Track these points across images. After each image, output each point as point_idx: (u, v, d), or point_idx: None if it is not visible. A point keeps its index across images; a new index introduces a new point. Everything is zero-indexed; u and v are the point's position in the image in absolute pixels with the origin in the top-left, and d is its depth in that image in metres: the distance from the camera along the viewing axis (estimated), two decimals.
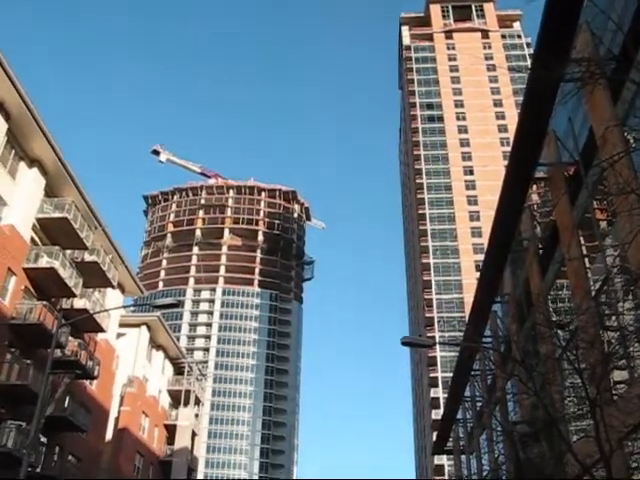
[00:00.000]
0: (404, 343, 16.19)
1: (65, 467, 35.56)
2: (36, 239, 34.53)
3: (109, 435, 45.02)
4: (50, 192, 35.33)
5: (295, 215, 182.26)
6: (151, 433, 53.40)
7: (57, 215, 34.00)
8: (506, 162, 29.98)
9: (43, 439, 33.07)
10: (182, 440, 57.73)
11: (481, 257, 47.41)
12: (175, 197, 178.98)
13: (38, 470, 31.77)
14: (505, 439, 22.06)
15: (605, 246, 17.18)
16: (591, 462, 13.17)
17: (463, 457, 50.58)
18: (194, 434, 60.97)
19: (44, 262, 33.08)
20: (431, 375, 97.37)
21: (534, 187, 25.31)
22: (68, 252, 35.35)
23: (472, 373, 41.57)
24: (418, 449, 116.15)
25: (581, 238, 19.23)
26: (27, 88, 30.46)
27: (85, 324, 35.03)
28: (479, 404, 42.90)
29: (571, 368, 13.15)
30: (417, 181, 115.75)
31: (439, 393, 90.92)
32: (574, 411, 13.93)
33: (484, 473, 33.81)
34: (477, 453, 40.04)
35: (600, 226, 18.28)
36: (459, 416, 51.72)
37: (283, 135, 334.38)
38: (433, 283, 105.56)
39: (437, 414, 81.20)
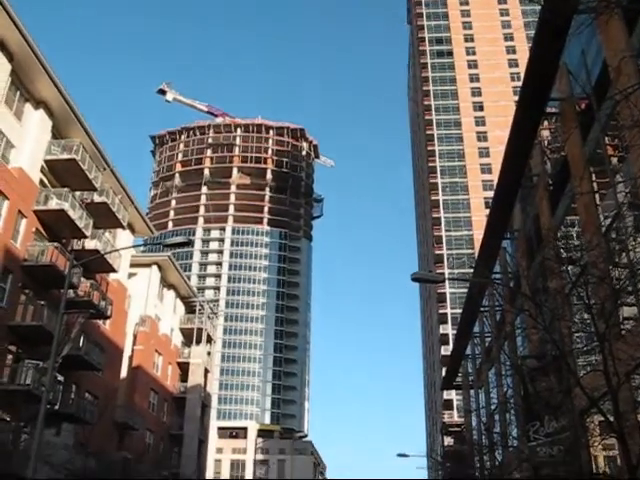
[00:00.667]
0: (414, 279, 16.24)
1: (82, 404, 36.34)
2: (45, 181, 34.58)
3: (124, 373, 45.88)
4: (57, 134, 35.20)
5: (303, 153, 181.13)
6: (164, 371, 54.38)
7: (65, 157, 33.94)
8: (516, 97, 29.55)
9: (60, 378, 33.69)
10: (195, 377, 58.79)
11: (491, 194, 47.25)
12: (182, 137, 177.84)
13: (57, 407, 32.50)
14: (514, 373, 22.31)
15: (616, 182, 17.03)
16: (599, 395, 13.34)
17: (472, 392, 51.33)
18: (207, 371, 62.04)
19: (54, 204, 33.17)
20: (440, 312, 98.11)
21: (545, 123, 24.98)
22: (77, 194, 35.41)
23: (481, 309, 41.84)
24: (427, 384, 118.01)
25: (592, 175, 19.07)
26: (30, 29, 30.15)
27: (97, 265, 35.36)
28: (488, 340, 43.31)
29: (580, 303, 13.21)
30: (426, 118, 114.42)
31: (448, 329, 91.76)
32: (583, 346, 14.04)
33: (492, 407, 34.35)
34: (486, 387, 40.58)
35: (611, 162, 18.10)
36: (468, 352, 52.29)
37: (290, 73, 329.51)
38: (442, 220, 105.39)
39: (446, 350, 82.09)
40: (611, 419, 12.48)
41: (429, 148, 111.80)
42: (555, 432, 14.63)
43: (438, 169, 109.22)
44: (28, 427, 26.51)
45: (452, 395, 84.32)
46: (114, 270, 39.04)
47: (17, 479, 22.71)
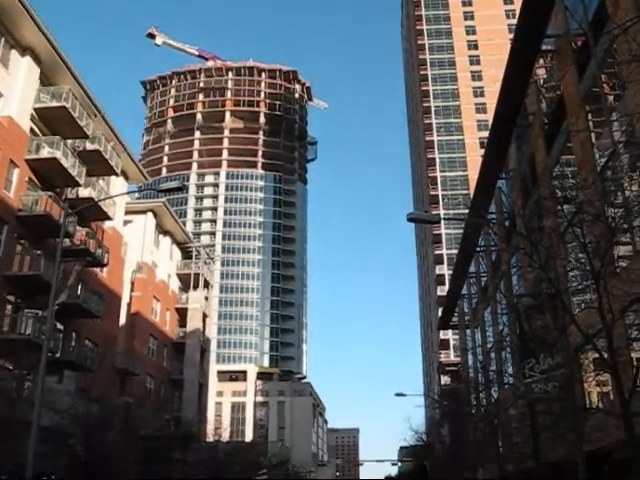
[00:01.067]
0: (410, 219, 16.22)
1: (82, 351, 36.71)
2: (36, 130, 34.18)
3: (122, 320, 46.23)
4: (46, 81, 34.66)
5: (296, 95, 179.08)
6: (163, 317, 54.84)
7: (55, 104, 33.48)
8: (512, 35, 29.09)
9: (60, 326, 33.95)
10: (193, 322, 59.33)
11: (486, 134, 46.88)
12: (174, 81, 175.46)
13: (58, 355, 32.84)
14: (509, 312, 22.54)
15: (612, 120, 16.90)
16: (593, 332, 13.49)
17: (468, 331, 51.91)
18: (205, 316, 62.58)
19: (46, 152, 32.88)
20: (436, 252, 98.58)
21: (540, 61, 24.68)
22: (69, 142, 35.06)
23: (477, 249, 42.00)
24: (424, 325, 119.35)
25: (588, 114, 18.91)
26: None
27: (91, 213, 35.25)
28: (484, 280, 43.62)
29: (576, 242, 13.23)
30: (420, 57, 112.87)
31: (444, 270, 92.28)
32: (578, 284, 14.13)
33: (488, 345, 34.80)
34: (482, 326, 41.05)
35: (608, 100, 17.93)
36: (464, 292, 52.70)
37: (281, 14, 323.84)
38: (437, 161, 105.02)
39: (442, 290, 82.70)
40: (605, 355, 12.64)
41: (423, 88, 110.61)
42: (550, 369, 14.85)
43: (432, 109, 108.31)
44: (30, 375, 26.83)
45: (449, 335, 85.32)
46: (109, 218, 38.96)
47: (22, 424, 23.07)
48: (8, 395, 24.03)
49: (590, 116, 18.93)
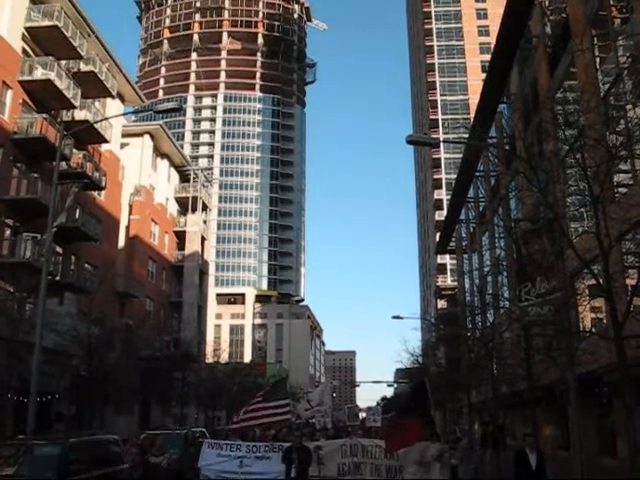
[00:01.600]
0: (409, 142, 16.06)
1: (82, 274, 37.00)
2: (28, 50, 33.43)
3: (121, 243, 46.44)
4: None
5: (295, 16, 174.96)
6: (162, 240, 55.07)
7: (47, 23, 32.67)
8: None
9: (59, 249, 34.12)
10: (192, 245, 59.64)
11: (488, 57, 46.11)
12: (169, 1, 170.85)
13: (57, 278, 33.11)
14: (507, 236, 22.60)
15: (618, 44, 16.58)
16: (590, 257, 13.56)
17: (465, 256, 52.24)
18: (203, 239, 62.88)
19: (39, 74, 32.33)
20: (435, 177, 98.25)
21: None
22: (63, 63, 34.40)
23: (476, 174, 41.85)
24: (422, 250, 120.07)
25: (593, 38, 18.53)
26: None
27: (87, 135, 34.88)
28: (482, 205, 43.65)
29: (576, 166, 13.16)
30: None
31: (442, 195, 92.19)
32: (576, 209, 14.13)
33: (485, 269, 35.07)
34: (479, 251, 41.32)
35: (614, 23, 17.53)
36: (462, 217, 52.80)
37: None
38: (438, 84, 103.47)
39: (440, 215, 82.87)
40: (601, 280, 12.75)
41: (425, 9, 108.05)
42: (546, 293, 14.98)
43: (434, 31, 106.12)
44: (32, 297, 27.06)
45: (446, 259, 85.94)
46: (106, 140, 38.61)
47: (26, 345, 23.48)
48: (10, 316, 24.30)
49: (595, 40, 18.56)
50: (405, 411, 15.09)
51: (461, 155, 50.14)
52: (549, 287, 14.94)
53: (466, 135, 49.14)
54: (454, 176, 59.51)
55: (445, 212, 68.49)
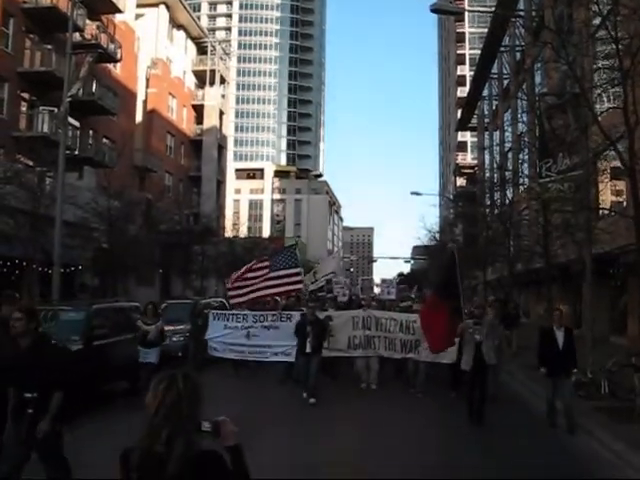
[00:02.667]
0: (433, 10, 15.34)
1: (100, 148, 36.91)
2: None
3: (139, 118, 46.03)
4: None
5: None
6: (179, 114, 54.47)
7: None
8: None
9: (76, 123, 33.86)
10: (210, 120, 59.03)
11: None
12: None
13: (76, 152, 33.08)
14: (530, 111, 22.09)
15: None
16: (615, 134, 13.23)
17: (486, 134, 51.48)
18: (221, 113, 62.14)
19: None
20: (458, 52, 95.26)
21: None
22: None
23: (501, 49, 40.52)
24: (442, 127, 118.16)
25: None
26: None
27: (100, 5, 33.96)
28: (506, 81, 42.55)
29: (607, 37, 12.59)
30: None
31: (465, 71, 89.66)
32: (604, 83, 13.63)
33: (506, 147, 34.60)
34: (500, 127, 40.61)
35: None
36: (485, 93, 51.61)
37: None
38: None
39: (463, 92, 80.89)
40: (624, 159, 12.49)
41: None
42: (567, 169, 14.74)
43: None
44: (51, 171, 27.12)
45: (466, 137, 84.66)
46: (119, 10, 37.53)
47: (48, 219, 23.78)
48: (31, 190, 24.47)
49: None
50: (436, 290, 13.82)
51: (486, 29, 48.29)
52: (571, 164, 14.69)
53: (493, 7, 47.23)
54: (478, 51, 57.72)
55: (468, 88, 66.93)
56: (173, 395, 2.91)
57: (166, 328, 17.97)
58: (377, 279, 45.22)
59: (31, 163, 27.82)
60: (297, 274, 16.49)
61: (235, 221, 64.79)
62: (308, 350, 13.62)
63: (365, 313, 15.69)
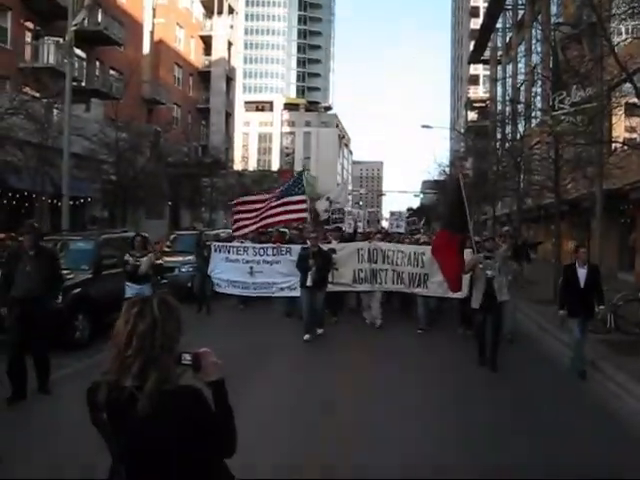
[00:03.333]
0: None
1: (107, 80, 36.49)
2: None
3: (146, 49, 45.33)
4: None
5: None
6: (187, 45, 53.61)
7: None
8: None
9: (82, 54, 33.43)
10: (218, 51, 58.16)
11: None
12: None
13: (83, 84, 32.73)
14: (545, 42, 21.61)
15: None
16: (632, 65, 12.95)
17: (499, 67, 50.56)
18: (230, 44, 61.16)
19: None
20: None
21: None
22: None
23: None
24: (454, 59, 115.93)
25: None
26: None
27: None
28: (521, 13, 41.58)
29: None
30: None
31: (479, 1, 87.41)
32: (622, 12, 13.23)
33: (519, 80, 33.98)
34: (514, 59, 39.85)
35: None
36: (498, 25, 50.51)
37: None
38: None
39: (476, 24, 79.00)
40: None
41: None
42: (581, 102, 14.46)
43: None
44: (58, 103, 26.88)
45: (479, 70, 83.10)
46: None
47: (55, 151, 23.72)
48: (38, 122, 24.30)
49: None
50: (445, 224, 12.17)
51: None
52: (585, 96, 14.40)
53: None
54: None
55: (481, 19, 65.41)
56: (147, 322, 2.57)
57: (175, 259, 17.88)
58: (386, 213, 45.09)
59: (37, 95, 27.55)
60: (302, 201, 15.70)
61: (244, 154, 64.42)
62: (309, 284, 12.86)
63: (371, 245, 14.82)
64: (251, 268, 15.41)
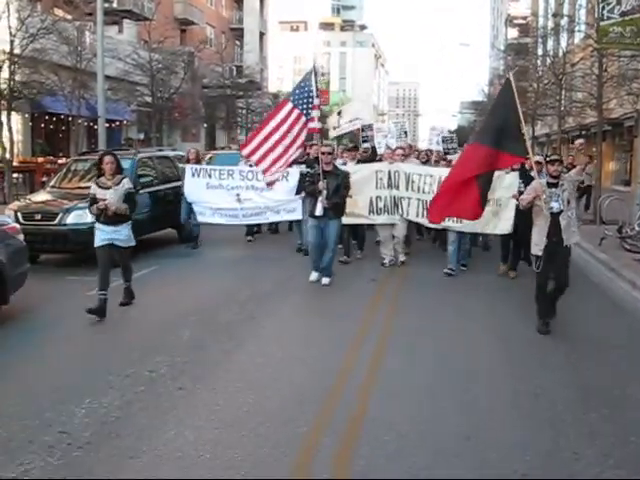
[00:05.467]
0: None
1: (139, 0, 35.93)
2: None
3: None
4: None
5: None
6: None
7: None
8: None
9: None
10: None
11: None
12: None
13: (114, 5, 32.34)
14: None
15: None
16: None
17: None
18: None
19: None
20: None
21: None
22: None
23: None
24: None
25: None
26: None
27: None
28: None
29: None
30: None
31: None
32: None
33: None
34: None
35: None
36: None
37: None
38: None
39: None
40: None
41: None
42: (632, 10, 13.76)
43: None
44: (90, 25, 26.67)
45: None
46: None
47: (89, 74, 23.66)
48: (72, 45, 24.17)
49: None
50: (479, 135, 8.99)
51: None
52: (636, 4, 13.72)
53: None
54: None
55: None
56: None
57: None
58: (422, 135, 44.41)
59: (69, 17, 27.30)
60: (316, 107, 10.75)
61: (279, 74, 63.63)
62: (319, 213, 10.13)
63: (393, 166, 11.98)
64: (237, 195, 13.15)
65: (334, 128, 15.71)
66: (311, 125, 10.61)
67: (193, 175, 13.27)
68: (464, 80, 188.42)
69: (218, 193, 13.17)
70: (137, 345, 7.14)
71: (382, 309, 9.06)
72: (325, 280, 10.30)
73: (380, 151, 15.79)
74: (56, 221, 11.17)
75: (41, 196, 12.69)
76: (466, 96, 57.94)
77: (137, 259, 10.71)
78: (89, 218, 9.92)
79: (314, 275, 10.44)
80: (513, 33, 70.08)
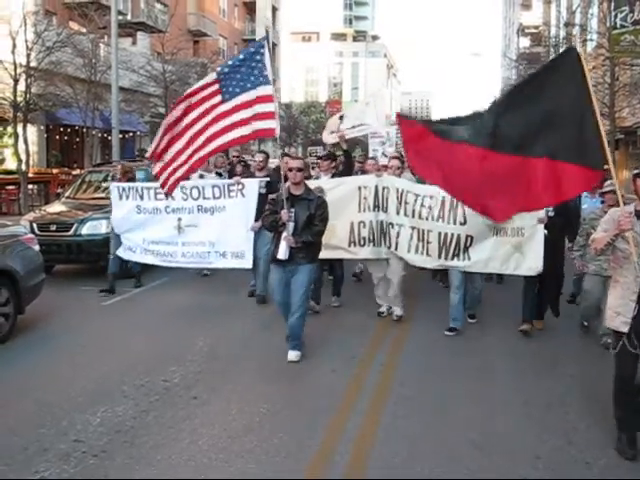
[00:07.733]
0: None
1: (152, 12, 36.27)
2: None
3: None
4: None
5: None
6: None
7: None
8: None
9: None
10: None
11: None
12: None
13: (128, 17, 32.62)
14: None
15: None
16: None
17: None
18: None
19: None
20: None
21: None
22: None
23: None
24: None
25: None
26: None
27: None
28: None
29: None
30: None
31: None
32: None
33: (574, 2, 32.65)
34: None
35: None
36: None
37: None
38: None
39: None
40: None
41: None
42: None
43: None
44: (104, 37, 26.97)
45: None
46: None
47: (104, 86, 23.86)
48: (86, 57, 24.43)
49: None
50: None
51: None
52: None
53: None
54: None
55: None
56: None
57: None
58: None
59: (84, 30, 27.59)
60: (269, 98, 7.41)
61: (291, 85, 63.86)
62: (282, 256, 6.81)
63: (381, 181, 8.62)
64: (179, 220, 9.65)
65: (331, 132, 12.09)
66: (260, 125, 7.34)
67: (121, 197, 10.01)
68: (476, 89, 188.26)
69: (153, 218, 9.86)
70: (151, 354, 7.18)
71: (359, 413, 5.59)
72: (292, 355, 6.96)
73: (381, 161, 10.99)
74: (71, 232, 11.17)
75: (56, 207, 12.73)
76: (478, 106, 57.63)
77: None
78: (104, 229, 10.00)
79: (293, 354, 6.99)
80: (525, 42, 70.01)
